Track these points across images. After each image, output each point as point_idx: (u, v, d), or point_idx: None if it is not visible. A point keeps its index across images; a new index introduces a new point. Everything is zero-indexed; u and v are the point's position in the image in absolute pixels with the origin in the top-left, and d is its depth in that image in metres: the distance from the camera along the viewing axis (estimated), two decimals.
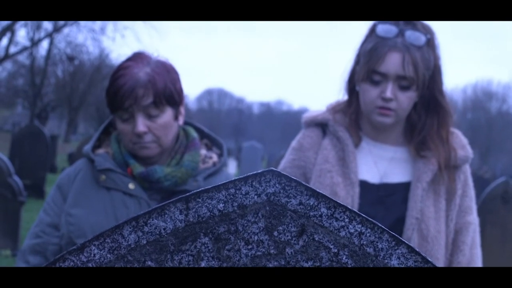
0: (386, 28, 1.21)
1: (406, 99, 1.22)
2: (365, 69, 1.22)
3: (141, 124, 1.14)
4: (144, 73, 1.14)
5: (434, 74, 1.24)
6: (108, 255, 0.42)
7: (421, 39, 1.20)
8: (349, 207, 0.41)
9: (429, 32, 1.24)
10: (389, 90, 1.19)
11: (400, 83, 1.20)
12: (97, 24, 20.98)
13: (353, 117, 1.30)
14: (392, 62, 1.19)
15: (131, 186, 1.17)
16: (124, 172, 1.19)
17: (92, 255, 0.42)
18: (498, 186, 4.39)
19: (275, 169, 0.43)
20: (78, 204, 1.18)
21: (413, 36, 1.20)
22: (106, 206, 1.16)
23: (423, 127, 1.27)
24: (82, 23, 21.02)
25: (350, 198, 1.24)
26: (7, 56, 18.59)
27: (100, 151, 1.23)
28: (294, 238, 0.41)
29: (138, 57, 1.18)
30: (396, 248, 0.40)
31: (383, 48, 1.19)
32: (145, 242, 0.42)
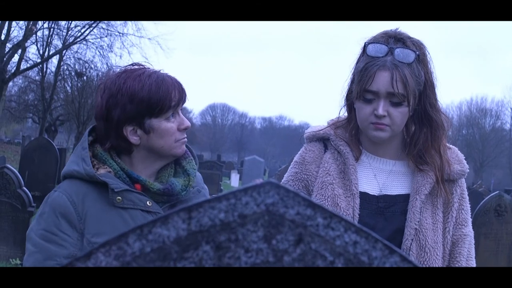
0: (376, 48, 1.25)
1: (398, 115, 1.25)
2: (358, 88, 1.26)
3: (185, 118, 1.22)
4: (166, 75, 1.19)
5: (426, 88, 1.27)
6: (114, 262, 0.44)
7: (410, 56, 1.24)
8: (344, 217, 0.43)
9: (419, 48, 1.27)
10: (381, 108, 1.23)
11: (392, 99, 1.23)
12: (105, 41, 21.32)
13: (353, 132, 1.34)
14: (382, 81, 1.22)
15: (148, 203, 1.17)
16: (138, 191, 1.18)
17: (99, 262, 0.44)
18: (492, 199, 4.48)
19: (273, 180, 0.45)
20: (102, 232, 1.13)
21: (402, 54, 1.23)
22: (131, 227, 1.15)
23: (418, 141, 1.30)
24: (91, 40, 21.37)
25: (351, 209, 1.27)
26: (18, 71, 18.90)
27: (102, 171, 1.19)
28: (291, 247, 0.43)
29: (138, 66, 1.21)
30: (389, 256, 0.41)
31: (373, 67, 1.23)
32: (149, 249, 0.44)
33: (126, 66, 1.22)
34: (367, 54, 1.25)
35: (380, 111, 1.23)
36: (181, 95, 1.19)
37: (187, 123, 1.20)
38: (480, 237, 4.41)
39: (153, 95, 1.15)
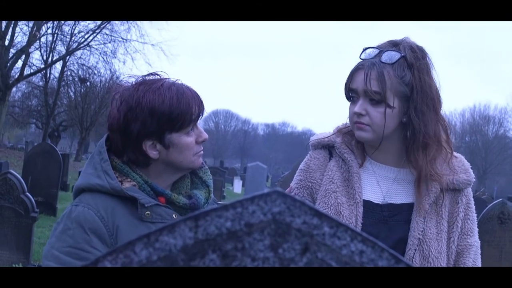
0: (368, 51, 1.28)
1: (377, 114, 1.25)
2: (345, 89, 1.29)
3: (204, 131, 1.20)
4: (185, 87, 1.17)
5: (413, 93, 1.25)
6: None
7: (394, 57, 1.24)
8: (351, 226, 0.43)
9: (412, 51, 1.26)
10: (358, 105, 1.26)
11: (370, 98, 1.24)
12: (109, 47, 21.44)
13: None
14: (358, 79, 1.25)
15: (174, 216, 1.16)
16: (165, 204, 1.17)
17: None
18: (495, 207, 4.49)
19: (280, 189, 0.45)
20: None
21: (388, 55, 1.25)
22: None
23: (408, 148, 1.29)
24: (94, 46, 21.49)
25: (353, 218, 1.26)
26: (21, 77, 18.98)
27: (127, 185, 1.16)
28: (298, 256, 0.43)
29: (154, 76, 1.19)
30: (395, 266, 0.41)
31: (353, 67, 1.27)
32: (156, 258, 0.44)
33: (142, 76, 1.18)
34: (359, 57, 1.28)
35: (356, 108, 1.25)
36: (201, 108, 1.17)
37: (205, 136, 1.19)
38: (483, 244, 4.38)
39: (174, 110, 1.13)
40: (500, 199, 4.74)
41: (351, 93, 1.27)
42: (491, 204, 4.75)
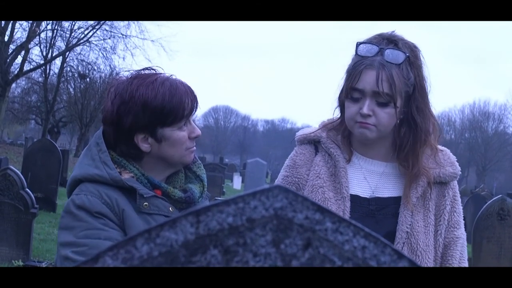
0: (367, 48, 1.25)
1: (385, 115, 1.23)
2: (345, 86, 1.26)
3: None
4: (179, 82, 1.17)
5: (415, 91, 1.25)
6: (121, 266, 0.44)
7: (400, 57, 1.23)
8: (354, 222, 0.43)
9: (412, 51, 1.26)
10: (366, 106, 1.23)
11: (377, 99, 1.22)
12: (108, 43, 21.40)
13: (346, 133, 1.34)
14: (368, 79, 1.22)
15: (171, 209, 1.17)
16: (162, 197, 1.17)
17: (106, 265, 0.44)
18: (495, 203, 4.54)
19: (282, 185, 0.45)
20: None
21: (392, 54, 1.23)
22: None
23: (406, 144, 1.28)
24: (94, 42, 21.45)
25: (341, 212, 1.27)
26: (21, 73, 18.95)
27: (125, 176, 1.17)
28: (300, 251, 0.42)
29: (150, 71, 1.19)
30: (398, 261, 0.41)
31: (360, 66, 1.23)
32: (157, 253, 0.44)
33: (138, 70, 1.19)
34: (358, 54, 1.26)
35: (365, 110, 1.22)
36: (194, 103, 1.18)
37: (198, 132, 1.20)
38: (482, 240, 4.44)
39: (167, 104, 1.13)
40: (500, 196, 4.78)
41: (353, 92, 1.25)
42: (491, 200, 4.79)
